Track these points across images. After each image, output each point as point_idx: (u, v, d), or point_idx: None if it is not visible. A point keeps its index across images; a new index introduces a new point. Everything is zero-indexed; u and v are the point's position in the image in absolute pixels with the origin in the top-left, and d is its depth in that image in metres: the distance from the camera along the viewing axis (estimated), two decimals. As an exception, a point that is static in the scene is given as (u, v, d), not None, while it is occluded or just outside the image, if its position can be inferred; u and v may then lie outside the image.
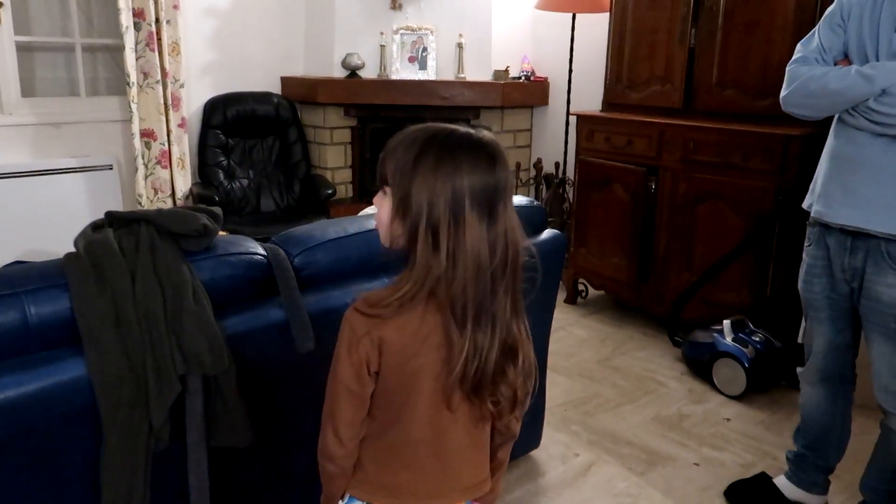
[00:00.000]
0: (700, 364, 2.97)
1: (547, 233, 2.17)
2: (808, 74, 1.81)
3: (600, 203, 3.59)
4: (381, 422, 1.14)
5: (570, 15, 4.05)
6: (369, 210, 2.99)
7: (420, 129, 1.09)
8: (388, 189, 1.09)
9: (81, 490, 1.31)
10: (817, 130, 2.68)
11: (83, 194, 3.74)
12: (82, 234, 1.44)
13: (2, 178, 3.48)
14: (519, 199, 2.18)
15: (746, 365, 2.75)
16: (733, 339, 2.83)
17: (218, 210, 1.56)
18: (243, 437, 1.44)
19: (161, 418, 1.31)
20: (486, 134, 1.11)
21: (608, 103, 3.66)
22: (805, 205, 1.97)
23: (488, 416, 1.18)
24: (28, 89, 3.72)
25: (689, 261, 3.23)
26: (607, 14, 3.64)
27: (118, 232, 1.44)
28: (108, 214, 1.51)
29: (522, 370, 1.14)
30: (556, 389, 2.84)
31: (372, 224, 1.80)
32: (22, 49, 3.64)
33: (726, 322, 2.88)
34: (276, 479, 1.68)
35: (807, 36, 1.91)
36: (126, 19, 3.66)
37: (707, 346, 2.93)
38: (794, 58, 1.90)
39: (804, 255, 1.99)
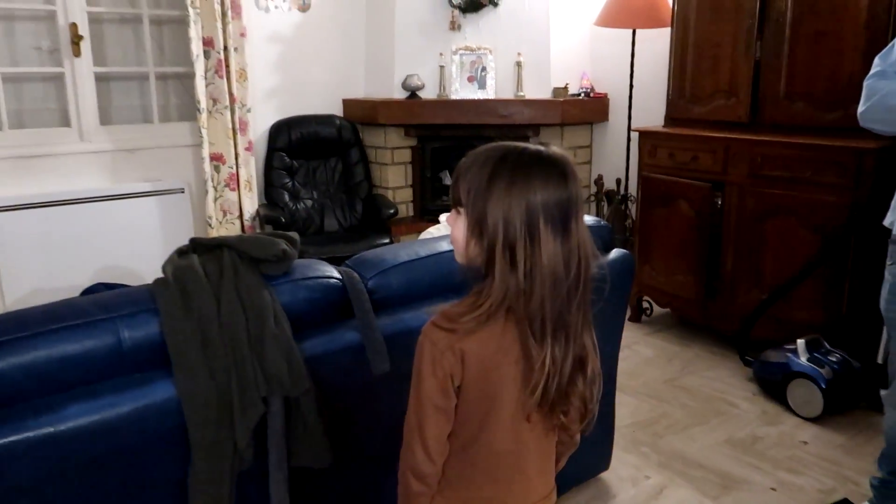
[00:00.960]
0: (773, 384, 2.89)
1: (615, 252, 2.15)
2: (888, 89, 1.76)
3: (664, 219, 3.54)
4: (462, 437, 1.16)
5: (630, 30, 4.03)
6: (432, 230, 3.02)
7: (491, 148, 1.11)
8: (461, 209, 1.11)
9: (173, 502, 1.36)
10: (892, 143, 2.61)
11: (156, 217, 3.88)
12: (169, 261, 1.49)
13: (82, 203, 3.64)
14: (585, 219, 2.17)
15: (823, 386, 2.66)
16: (808, 359, 2.75)
17: (295, 235, 1.61)
18: (323, 457, 1.47)
19: (245, 438, 1.35)
20: (555, 150, 1.12)
21: (670, 118, 3.62)
22: (887, 222, 1.91)
23: (557, 427, 1.19)
24: (105, 117, 3.89)
25: (757, 278, 3.15)
26: (667, 28, 3.62)
27: (202, 258, 1.49)
28: (193, 241, 1.56)
29: (590, 380, 1.16)
30: (624, 410, 2.80)
31: (443, 247, 1.82)
32: (99, 79, 3.81)
33: (800, 341, 2.80)
34: (353, 498, 1.70)
35: (885, 49, 1.86)
36: (196, 48, 3.80)
37: (780, 365, 2.85)
38: (871, 72, 1.85)
39: (886, 275, 1.92)
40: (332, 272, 1.63)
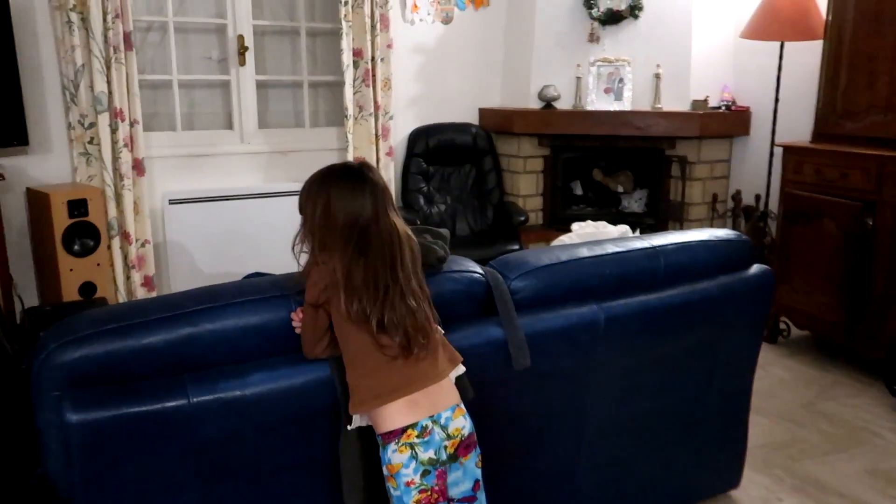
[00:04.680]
0: (923, 417, 2.73)
1: (755, 268, 2.13)
2: None
3: (807, 238, 3.40)
4: None
5: (777, 43, 3.90)
6: (564, 238, 3.07)
7: None
8: None
9: (328, 471, 1.50)
10: None
11: (302, 215, 4.15)
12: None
13: (241, 199, 3.97)
14: (725, 233, 2.16)
15: (982, 422, 2.49)
16: (965, 393, 2.57)
17: (446, 232, 1.72)
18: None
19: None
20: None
21: (818, 134, 3.48)
22: None
23: None
24: (261, 121, 4.22)
25: (911, 304, 2.98)
26: (815, 41, 3.48)
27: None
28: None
29: None
30: (756, 430, 2.71)
31: (582, 253, 1.88)
32: (258, 86, 4.14)
33: (957, 373, 2.62)
34: (488, 489, 1.79)
35: None
36: (347, 58, 4.05)
37: (932, 398, 2.68)
38: None
39: None
40: (477, 268, 1.73)
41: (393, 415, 1.40)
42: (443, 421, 1.43)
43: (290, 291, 1.48)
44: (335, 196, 1.46)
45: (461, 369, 1.52)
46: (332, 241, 1.44)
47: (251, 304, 1.43)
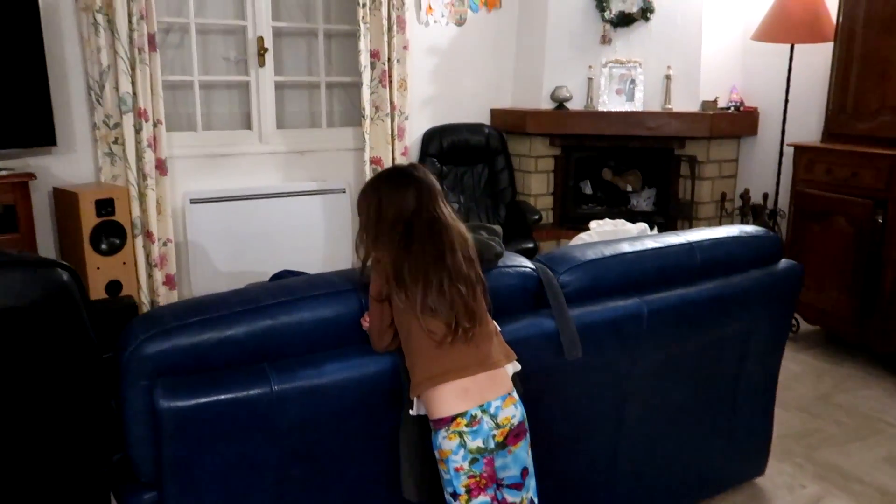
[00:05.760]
0: (936, 407, 2.82)
1: (784, 263, 2.21)
2: None
3: (819, 235, 3.50)
4: None
5: (786, 45, 4.00)
6: (583, 236, 3.14)
7: None
8: None
9: (393, 455, 1.57)
10: None
11: (320, 213, 4.22)
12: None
13: (260, 198, 4.03)
14: (754, 229, 2.24)
15: None
16: (978, 384, 2.67)
17: (499, 228, 1.79)
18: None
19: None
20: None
21: (829, 133, 3.57)
22: None
23: None
24: (279, 121, 4.27)
25: (921, 298, 3.08)
26: (824, 43, 3.57)
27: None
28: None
29: None
30: (776, 420, 2.79)
31: (625, 248, 1.96)
32: (276, 87, 4.20)
33: (969, 365, 2.72)
34: (539, 475, 1.86)
35: None
36: (364, 59, 4.12)
37: (945, 388, 2.78)
38: None
39: None
40: (528, 263, 1.80)
41: (444, 401, 1.46)
42: (492, 410, 1.49)
43: (358, 285, 1.54)
44: (384, 195, 1.56)
45: (517, 366, 1.58)
46: (383, 236, 1.52)
47: (325, 298, 1.50)
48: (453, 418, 1.46)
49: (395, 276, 1.48)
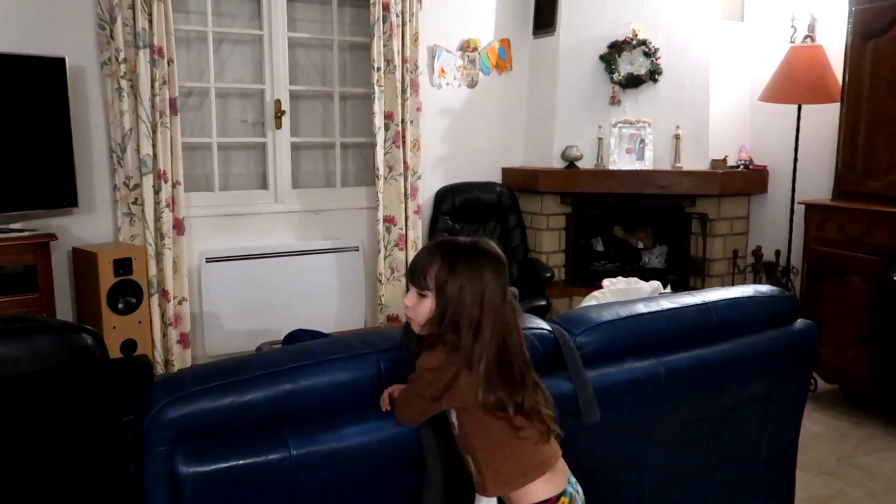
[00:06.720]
0: (962, 470, 2.76)
1: (800, 323, 2.21)
2: None
3: (833, 293, 3.49)
4: None
5: (794, 105, 4.07)
6: (597, 294, 3.14)
7: (446, 243, 1.47)
8: (427, 293, 1.43)
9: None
10: None
11: (334, 271, 4.26)
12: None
13: (274, 257, 4.07)
14: (768, 289, 2.24)
15: None
16: None
17: (515, 290, 1.80)
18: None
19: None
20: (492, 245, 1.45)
21: (839, 191, 3.60)
22: None
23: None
24: (294, 181, 4.35)
25: (941, 357, 3.04)
26: (831, 103, 3.64)
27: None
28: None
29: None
30: (796, 484, 2.76)
31: (640, 309, 1.96)
32: (292, 147, 4.29)
33: None
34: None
35: None
36: (379, 121, 4.21)
37: (970, 450, 2.72)
38: None
39: None
40: (544, 325, 1.81)
41: (538, 489, 1.45)
42: (575, 485, 1.53)
43: (378, 349, 1.55)
44: (490, 279, 1.40)
45: None
46: (471, 325, 1.38)
47: (342, 361, 1.51)
48: (557, 498, 1.47)
49: (487, 376, 1.37)
